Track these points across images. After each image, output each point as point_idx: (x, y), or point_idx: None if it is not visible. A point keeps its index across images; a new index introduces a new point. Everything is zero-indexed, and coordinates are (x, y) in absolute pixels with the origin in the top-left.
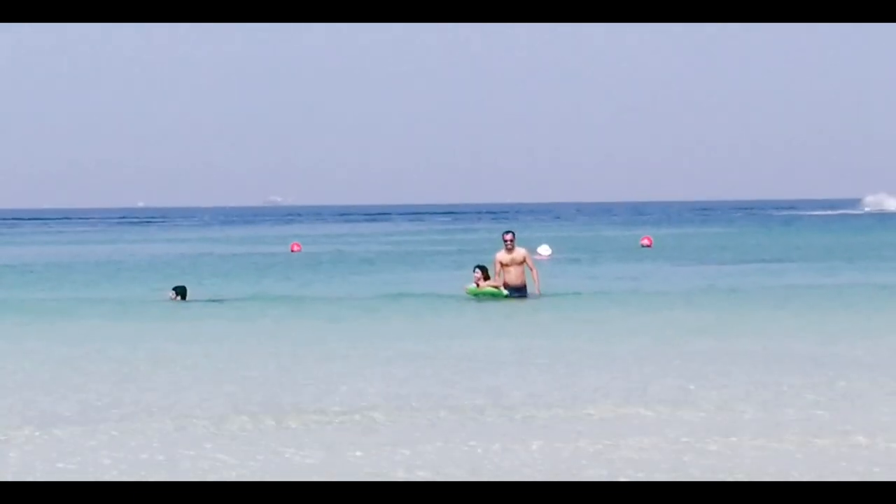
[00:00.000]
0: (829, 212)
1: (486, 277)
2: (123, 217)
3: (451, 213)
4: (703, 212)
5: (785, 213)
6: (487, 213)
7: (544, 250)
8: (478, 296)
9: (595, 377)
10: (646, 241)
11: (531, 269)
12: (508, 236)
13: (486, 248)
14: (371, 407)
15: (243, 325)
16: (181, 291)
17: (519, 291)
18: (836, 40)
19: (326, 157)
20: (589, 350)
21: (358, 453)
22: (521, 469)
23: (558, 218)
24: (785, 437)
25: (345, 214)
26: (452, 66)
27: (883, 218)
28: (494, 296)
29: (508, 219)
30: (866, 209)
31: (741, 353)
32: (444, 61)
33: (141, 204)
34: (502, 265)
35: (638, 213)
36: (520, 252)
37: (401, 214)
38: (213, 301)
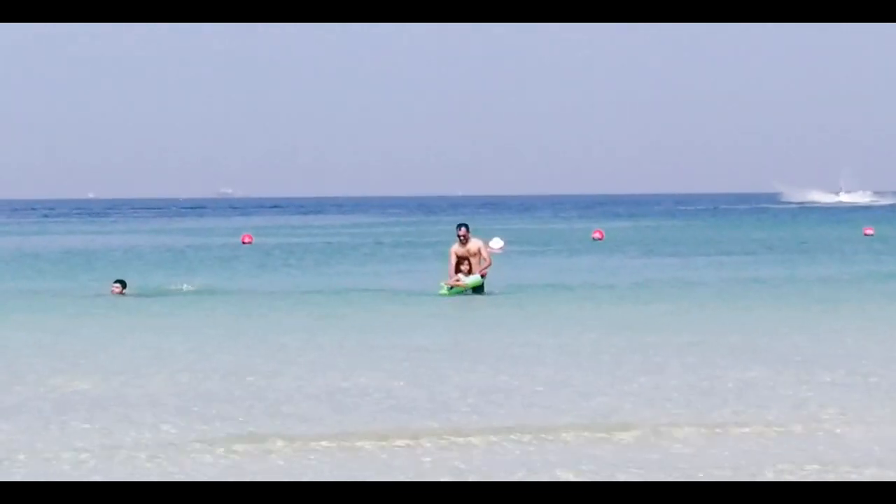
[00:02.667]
0: (785, 205)
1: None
2: (73, 209)
3: (404, 205)
4: (644, 206)
5: (704, 207)
6: (442, 205)
7: (496, 243)
8: (461, 292)
9: (551, 371)
10: (597, 235)
11: (485, 259)
12: (462, 230)
13: (438, 240)
14: (328, 403)
15: (186, 317)
16: (124, 284)
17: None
18: (786, 40)
19: (278, 148)
20: (544, 344)
21: (317, 449)
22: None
23: (508, 210)
24: (727, 428)
25: (297, 206)
26: (408, 57)
27: (809, 210)
28: (474, 286)
29: (461, 212)
30: (792, 202)
31: (688, 345)
32: (402, 51)
33: (91, 195)
34: (458, 258)
35: (584, 206)
36: (475, 244)
37: (354, 206)
38: (158, 294)
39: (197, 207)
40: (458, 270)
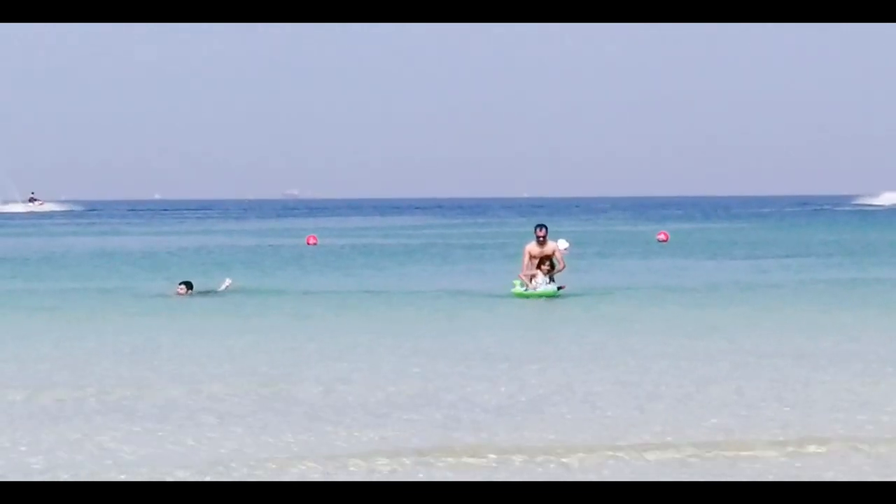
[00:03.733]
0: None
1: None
2: (139, 209)
3: (470, 206)
4: (718, 209)
5: (790, 209)
6: (506, 207)
7: (562, 244)
8: (528, 296)
9: (613, 372)
10: (662, 237)
11: (559, 263)
12: (541, 231)
13: (506, 242)
14: (384, 402)
15: (252, 319)
16: (190, 285)
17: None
18: (841, 40)
19: (344, 150)
20: (612, 346)
21: (373, 453)
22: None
23: (575, 210)
24: (812, 437)
25: (362, 208)
26: (468, 62)
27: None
28: (549, 296)
29: (527, 213)
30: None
31: (761, 351)
32: (461, 57)
33: (157, 196)
34: (531, 257)
35: (647, 207)
36: (550, 246)
37: (420, 208)
38: (222, 295)
39: (263, 209)
40: (538, 268)
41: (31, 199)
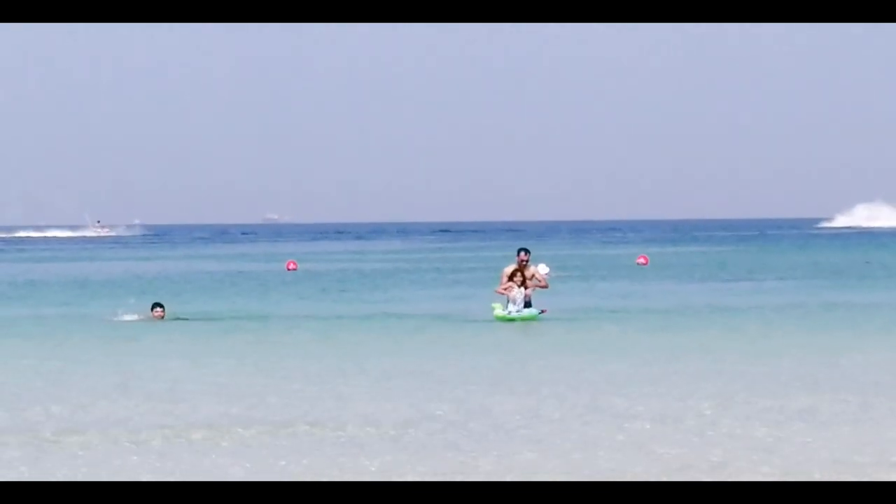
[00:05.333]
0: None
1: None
2: (118, 234)
3: (449, 231)
4: (688, 232)
5: (763, 232)
6: (479, 231)
7: (542, 269)
8: (510, 320)
9: (597, 396)
10: (642, 260)
11: (539, 282)
12: (525, 256)
13: (490, 266)
14: (364, 424)
15: (229, 343)
16: (164, 308)
17: (527, 307)
18: (810, 58)
19: (324, 174)
20: (590, 370)
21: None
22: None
23: (549, 235)
24: (780, 453)
25: (343, 232)
26: (449, 88)
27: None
28: (530, 319)
29: (507, 238)
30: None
31: (744, 373)
32: (442, 82)
33: (137, 221)
34: (510, 279)
35: (619, 230)
36: (530, 271)
37: (399, 232)
38: (200, 320)
39: (244, 233)
40: (511, 279)
41: (100, 225)
